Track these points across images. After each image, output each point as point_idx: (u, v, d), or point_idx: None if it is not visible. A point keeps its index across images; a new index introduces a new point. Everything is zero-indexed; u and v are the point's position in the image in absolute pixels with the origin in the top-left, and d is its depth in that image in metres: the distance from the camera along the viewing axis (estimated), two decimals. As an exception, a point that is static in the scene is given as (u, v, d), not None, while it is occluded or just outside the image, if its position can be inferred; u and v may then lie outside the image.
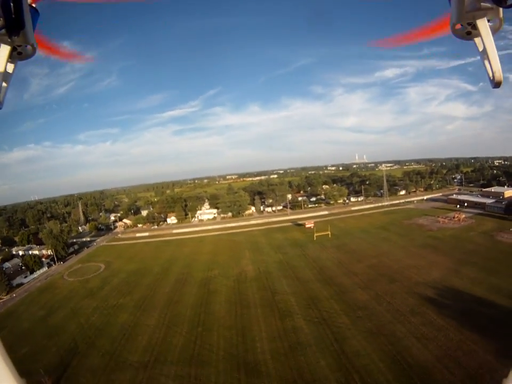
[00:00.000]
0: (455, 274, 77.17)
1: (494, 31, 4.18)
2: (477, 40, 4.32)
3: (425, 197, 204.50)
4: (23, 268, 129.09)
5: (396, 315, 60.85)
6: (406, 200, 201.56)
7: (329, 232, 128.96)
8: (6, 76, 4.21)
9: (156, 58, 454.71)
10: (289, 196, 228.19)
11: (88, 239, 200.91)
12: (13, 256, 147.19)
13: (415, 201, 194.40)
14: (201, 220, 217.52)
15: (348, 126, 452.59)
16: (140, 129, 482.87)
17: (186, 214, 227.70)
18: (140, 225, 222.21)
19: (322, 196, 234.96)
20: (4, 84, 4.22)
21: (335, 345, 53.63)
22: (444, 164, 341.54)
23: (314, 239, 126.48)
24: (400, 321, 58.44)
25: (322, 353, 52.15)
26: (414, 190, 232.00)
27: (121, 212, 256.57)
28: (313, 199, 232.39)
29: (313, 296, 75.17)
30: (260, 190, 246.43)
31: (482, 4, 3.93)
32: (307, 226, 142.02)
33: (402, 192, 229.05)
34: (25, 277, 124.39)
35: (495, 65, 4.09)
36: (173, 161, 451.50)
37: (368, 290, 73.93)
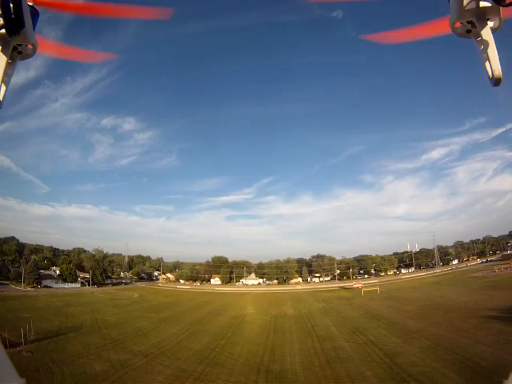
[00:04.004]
0: (519, 300, 66.82)
1: (494, 29, 4.12)
2: (477, 38, 4.25)
3: (479, 260, 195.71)
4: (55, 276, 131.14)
5: (457, 332, 50.80)
6: (459, 266, 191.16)
7: (377, 288, 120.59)
8: (6, 75, 4.10)
9: (215, 145, 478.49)
10: (338, 271, 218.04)
11: (128, 281, 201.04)
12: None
13: (468, 265, 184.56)
14: (246, 285, 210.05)
15: (399, 215, 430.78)
16: (193, 211, 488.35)
17: (231, 278, 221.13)
18: (182, 281, 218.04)
19: (372, 271, 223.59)
20: (4, 84, 4.09)
21: (385, 359, 42.51)
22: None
23: (362, 294, 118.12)
24: (463, 335, 48.10)
25: (368, 366, 40.78)
26: (467, 258, 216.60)
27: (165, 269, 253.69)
28: (362, 271, 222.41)
29: (359, 326, 64.72)
30: (308, 262, 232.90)
31: (481, 2, 3.89)
32: (355, 286, 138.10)
33: (455, 262, 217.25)
34: (56, 283, 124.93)
35: (495, 64, 4.01)
36: (223, 245, 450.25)
37: (422, 320, 63.76)
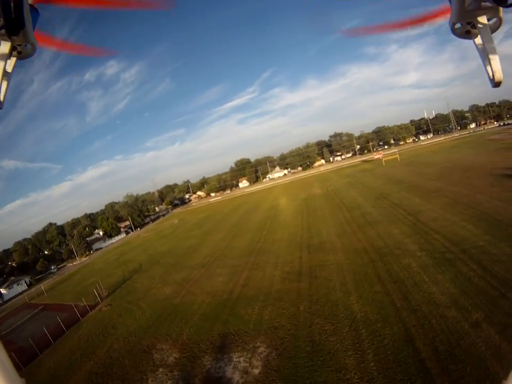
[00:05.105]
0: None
1: (494, 30, 3.98)
2: (477, 39, 4.08)
3: (496, 123, 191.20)
4: (101, 237, 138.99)
5: (473, 189, 52.99)
6: (477, 129, 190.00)
7: (397, 156, 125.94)
8: (6, 75, 3.82)
9: (204, 53, 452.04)
10: (358, 146, 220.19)
11: (165, 212, 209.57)
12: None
13: (485, 128, 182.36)
14: (272, 179, 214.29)
15: (410, 83, 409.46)
16: (204, 126, 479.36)
17: (257, 177, 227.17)
18: (213, 194, 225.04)
19: (392, 141, 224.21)
20: (4, 84, 3.79)
21: (409, 218, 46.93)
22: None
23: (383, 164, 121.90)
24: (478, 192, 50.50)
25: (395, 225, 45.36)
26: (484, 121, 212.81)
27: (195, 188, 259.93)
28: (381, 143, 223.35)
29: (383, 193, 69.11)
30: (327, 142, 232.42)
31: (482, 3, 3.72)
32: (375, 157, 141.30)
33: (472, 126, 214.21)
34: (104, 241, 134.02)
35: (495, 65, 3.83)
36: (241, 150, 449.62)
37: (441, 180, 66.44)
